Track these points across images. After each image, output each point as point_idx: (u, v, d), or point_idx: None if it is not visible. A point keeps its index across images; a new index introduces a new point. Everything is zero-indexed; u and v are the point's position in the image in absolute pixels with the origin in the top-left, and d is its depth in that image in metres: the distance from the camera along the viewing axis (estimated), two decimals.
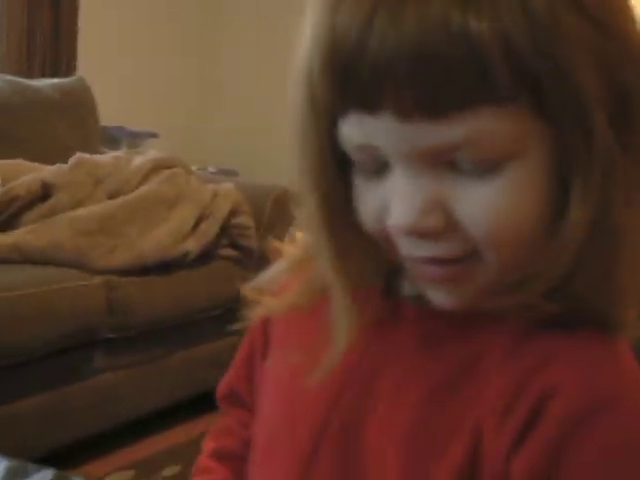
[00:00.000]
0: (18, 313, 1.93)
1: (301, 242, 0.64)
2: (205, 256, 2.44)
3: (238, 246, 2.55)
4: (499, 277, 0.54)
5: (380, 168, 0.53)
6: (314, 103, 0.53)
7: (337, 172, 0.56)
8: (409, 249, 0.54)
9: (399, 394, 0.58)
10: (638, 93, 0.51)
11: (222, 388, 0.79)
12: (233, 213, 2.55)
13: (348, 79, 0.50)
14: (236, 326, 0.67)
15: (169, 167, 2.58)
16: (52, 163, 2.48)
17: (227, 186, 2.66)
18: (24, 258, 2.13)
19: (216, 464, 0.76)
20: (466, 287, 0.54)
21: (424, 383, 0.57)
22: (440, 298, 0.56)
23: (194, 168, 3.01)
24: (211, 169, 4.05)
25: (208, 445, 0.78)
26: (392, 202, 0.52)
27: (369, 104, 0.50)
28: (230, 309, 2.38)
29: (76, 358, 2.14)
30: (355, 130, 0.52)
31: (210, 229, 2.47)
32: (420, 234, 0.52)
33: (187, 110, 4.66)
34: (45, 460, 1.06)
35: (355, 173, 0.55)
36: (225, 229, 2.53)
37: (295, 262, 0.66)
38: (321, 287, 0.61)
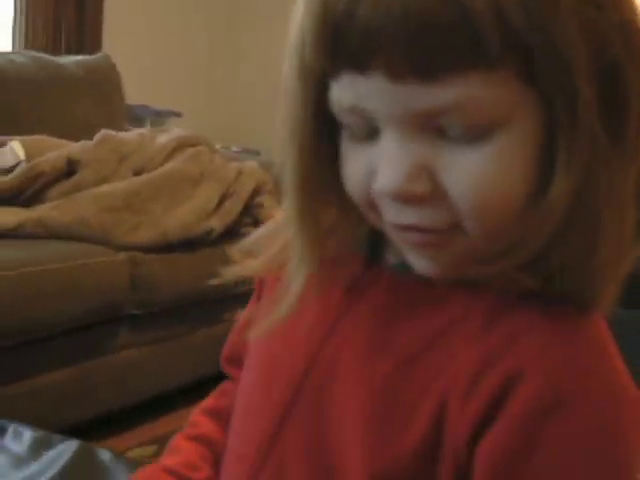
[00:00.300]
0: (43, 288, 1.94)
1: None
2: (228, 234, 2.44)
3: (261, 224, 2.54)
4: (481, 247, 0.53)
5: (369, 133, 0.53)
6: (304, 67, 0.53)
7: (322, 135, 0.56)
8: (393, 216, 0.54)
9: (369, 359, 0.59)
10: (626, 70, 0.51)
11: (225, 350, 0.81)
12: (257, 191, 2.55)
13: (340, 41, 0.50)
14: (214, 282, 0.68)
15: (193, 145, 2.58)
16: (77, 140, 2.48)
17: (251, 164, 2.66)
18: (49, 233, 2.14)
19: (204, 419, 0.79)
20: (447, 255, 0.54)
21: (394, 350, 0.58)
22: (422, 265, 0.56)
23: (218, 147, 3.01)
24: (234, 148, 4.04)
25: (203, 403, 0.81)
26: (379, 166, 0.52)
27: (361, 65, 0.50)
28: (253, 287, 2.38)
29: (100, 334, 2.15)
30: (347, 91, 0.52)
31: (234, 207, 2.47)
32: (405, 199, 0.52)
33: (210, 89, 4.65)
34: (68, 434, 1.07)
35: (343, 138, 0.56)
36: (248, 207, 2.53)
37: (280, 224, 0.66)
38: None
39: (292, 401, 0.62)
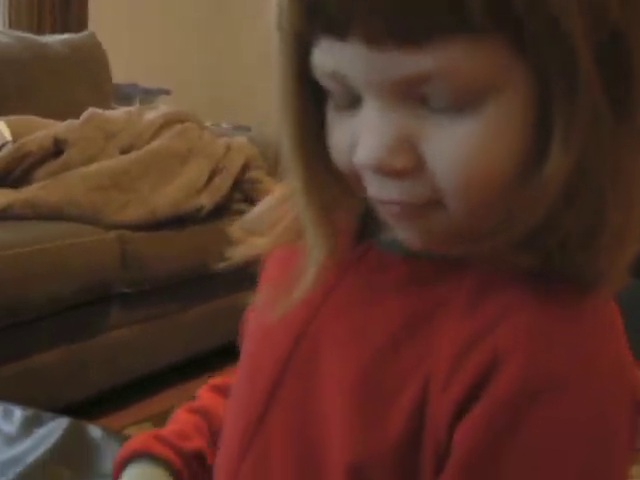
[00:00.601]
0: (32, 269, 1.94)
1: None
2: (219, 210, 2.43)
3: (252, 200, 2.54)
4: (463, 224, 0.51)
5: (351, 102, 0.51)
6: (285, 34, 0.51)
7: (310, 106, 0.54)
8: (375, 189, 0.52)
9: (357, 337, 0.57)
10: (628, 37, 0.47)
11: (242, 328, 0.80)
12: (247, 167, 2.54)
13: (317, 5, 0.47)
14: (221, 266, 0.66)
15: (181, 121, 2.57)
16: (63, 120, 2.47)
17: (240, 140, 2.64)
18: (37, 214, 2.13)
19: (207, 393, 0.79)
20: (425, 229, 0.52)
21: (382, 328, 0.56)
22: (407, 236, 0.54)
23: (208, 124, 2.99)
24: (225, 124, 4.03)
25: (213, 379, 0.81)
26: (361, 137, 0.50)
27: (339, 30, 0.47)
28: (244, 264, 2.38)
29: (91, 313, 2.15)
30: (327, 57, 0.49)
31: (223, 183, 2.45)
32: (387, 172, 0.49)
33: (200, 67, 4.63)
34: (61, 413, 1.07)
35: (329, 108, 0.53)
36: (238, 183, 2.52)
37: (283, 199, 0.63)
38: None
39: (279, 378, 0.61)
